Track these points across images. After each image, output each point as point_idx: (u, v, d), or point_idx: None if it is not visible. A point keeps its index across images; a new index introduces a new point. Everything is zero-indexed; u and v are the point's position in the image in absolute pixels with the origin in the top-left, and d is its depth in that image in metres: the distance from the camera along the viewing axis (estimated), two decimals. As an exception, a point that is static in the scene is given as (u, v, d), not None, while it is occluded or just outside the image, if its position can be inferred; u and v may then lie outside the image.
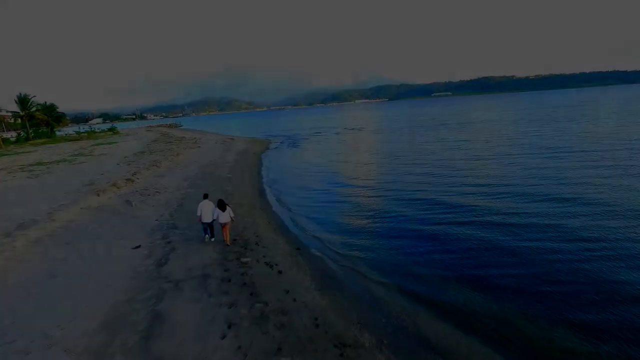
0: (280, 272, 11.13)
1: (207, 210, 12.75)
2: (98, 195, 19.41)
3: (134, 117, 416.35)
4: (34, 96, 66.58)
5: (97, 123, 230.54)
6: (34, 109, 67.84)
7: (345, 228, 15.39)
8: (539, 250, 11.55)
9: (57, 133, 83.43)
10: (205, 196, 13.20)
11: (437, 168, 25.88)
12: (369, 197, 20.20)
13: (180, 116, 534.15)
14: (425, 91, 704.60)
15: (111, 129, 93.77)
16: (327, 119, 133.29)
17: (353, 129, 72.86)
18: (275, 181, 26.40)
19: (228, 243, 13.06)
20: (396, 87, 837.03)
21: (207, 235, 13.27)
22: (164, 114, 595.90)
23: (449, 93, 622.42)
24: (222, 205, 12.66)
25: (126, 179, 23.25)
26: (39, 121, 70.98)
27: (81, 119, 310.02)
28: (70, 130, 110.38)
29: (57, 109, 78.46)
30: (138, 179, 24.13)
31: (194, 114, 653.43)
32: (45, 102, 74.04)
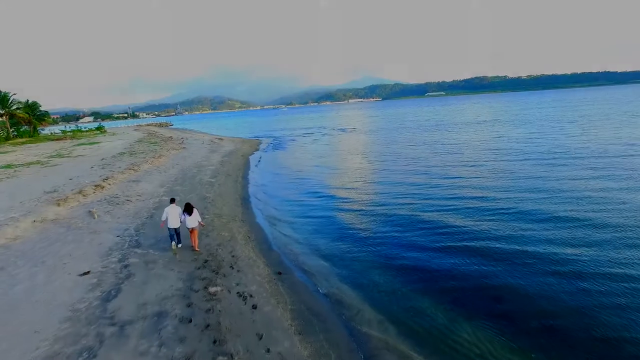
0: (254, 306, 9.17)
1: (173, 216, 12.01)
2: (58, 205, 17.18)
3: (126, 115, 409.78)
4: (14, 94, 64.21)
5: (88, 122, 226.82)
6: (14, 107, 65.17)
7: (337, 249, 13.25)
8: (570, 290, 9.33)
9: (42, 132, 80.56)
10: (172, 201, 12.54)
11: (434, 177, 23.33)
12: (363, 210, 17.81)
13: (172, 115, 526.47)
14: (418, 91, 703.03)
15: (98, 128, 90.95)
16: (321, 118, 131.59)
17: (345, 129, 71.16)
18: (262, 187, 24.32)
19: (197, 249, 12.45)
20: (390, 87, 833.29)
21: (174, 242, 12.34)
22: (156, 112, 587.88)
23: (442, 93, 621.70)
24: (189, 209, 12.12)
25: (95, 185, 20.99)
26: (20, 120, 68.32)
27: (72, 117, 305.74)
28: (56, 129, 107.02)
29: (40, 107, 75.69)
30: (109, 184, 21.89)
31: (186, 113, 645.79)
32: (27, 100, 71.35)
